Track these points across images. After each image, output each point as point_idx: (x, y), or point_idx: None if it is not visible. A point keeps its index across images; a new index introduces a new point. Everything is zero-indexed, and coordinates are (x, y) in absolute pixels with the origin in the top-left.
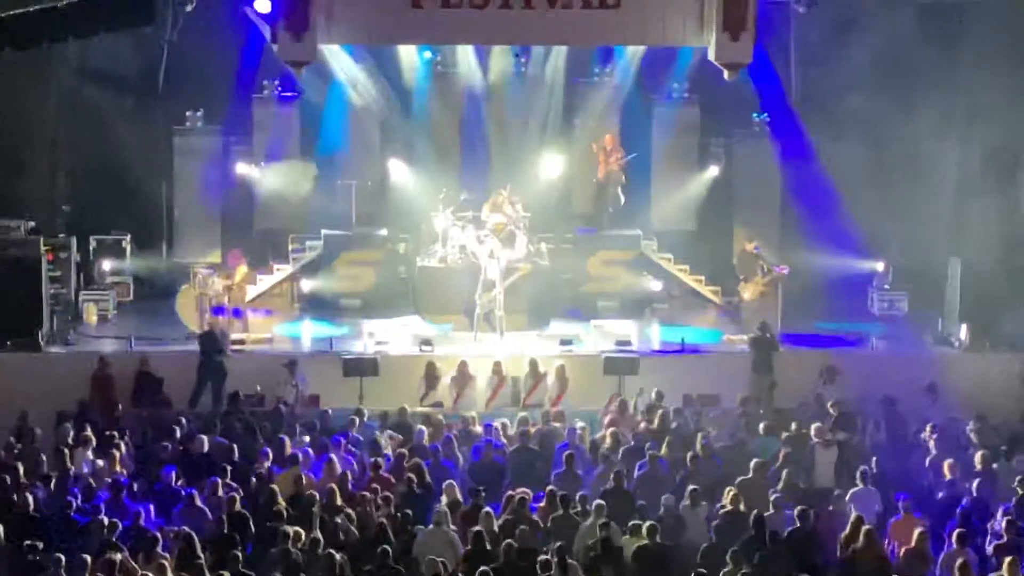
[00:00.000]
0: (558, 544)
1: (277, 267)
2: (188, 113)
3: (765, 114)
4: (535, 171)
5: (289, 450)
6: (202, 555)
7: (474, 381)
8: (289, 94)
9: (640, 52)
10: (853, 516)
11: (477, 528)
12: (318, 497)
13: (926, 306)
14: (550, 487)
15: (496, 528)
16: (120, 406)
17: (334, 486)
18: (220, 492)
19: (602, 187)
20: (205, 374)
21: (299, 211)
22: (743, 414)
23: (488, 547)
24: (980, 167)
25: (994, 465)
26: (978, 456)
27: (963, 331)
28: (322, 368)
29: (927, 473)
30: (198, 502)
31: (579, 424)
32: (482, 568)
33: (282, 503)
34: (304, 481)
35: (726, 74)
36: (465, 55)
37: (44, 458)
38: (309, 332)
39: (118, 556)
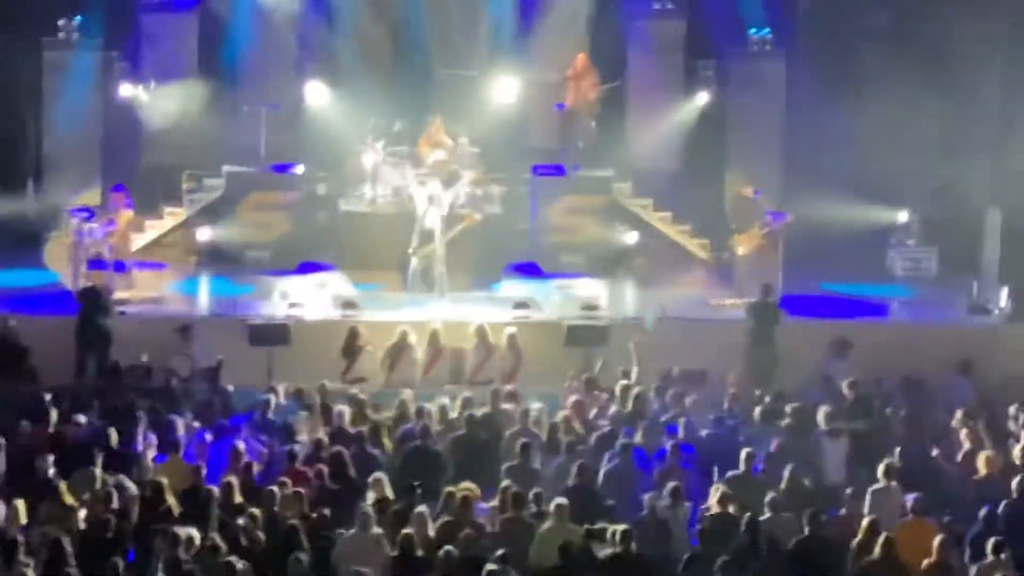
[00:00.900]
0: (508, 552)
1: (169, 211)
2: (61, 22)
3: (765, 29)
4: (485, 95)
5: (181, 434)
6: (73, 563)
7: (413, 353)
8: (186, 1)
9: None
10: (866, 521)
11: (409, 531)
12: (216, 492)
13: (959, 266)
14: (505, 483)
15: (433, 532)
16: None
17: (235, 479)
18: (96, 486)
19: (569, 117)
20: (86, 340)
21: (196, 143)
22: (735, 396)
23: (423, 554)
24: None
25: None
26: (1019, 449)
27: (1003, 296)
28: (223, 335)
29: (957, 469)
30: (68, 499)
31: (535, 406)
32: None
33: (171, 499)
34: (199, 473)
35: None
36: None
37: None
38: (207, 291)
39: None
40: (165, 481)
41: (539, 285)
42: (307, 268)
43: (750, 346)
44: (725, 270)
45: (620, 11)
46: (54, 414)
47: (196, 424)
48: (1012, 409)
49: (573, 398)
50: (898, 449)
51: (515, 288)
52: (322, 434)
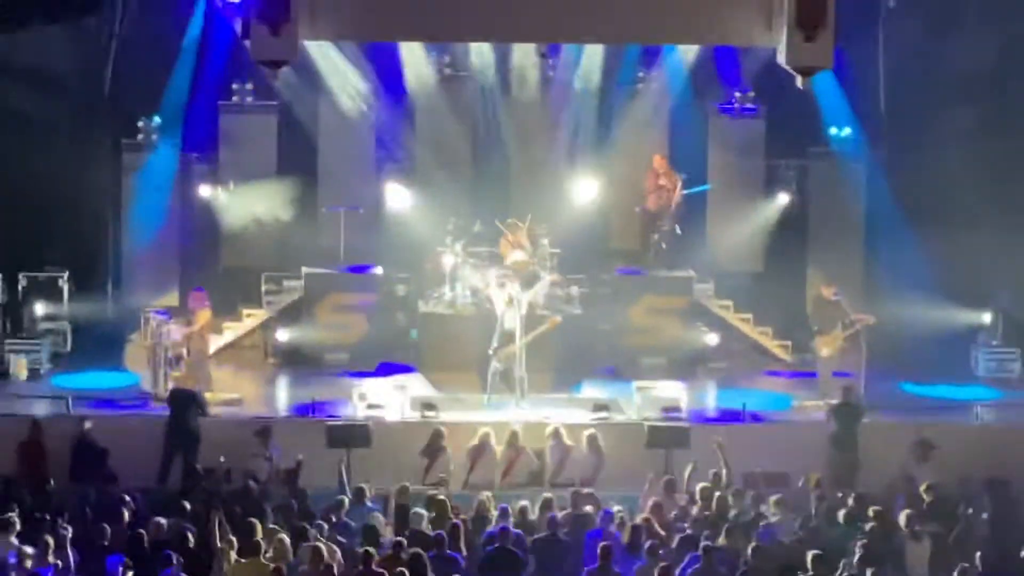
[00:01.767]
0: None
1: (247, 312)
2: (140, 123)
3: (846, 129)
4: (565, 197)
5: (260, 536)
6: None
7: (494, 455)
8: (265, 101)
9: (693, 53)
10: None
11: None
12: None
13: None
14: None
15: None
16: (53, 481)
17: None
18: None
19: (651, 219)
20: (175, 442)
21: (275, 244)
22: (819, 498)
23: None
24: None
25: None
26: None
27: None
28: (302, 437)
29: None
30: None
31: (616, 508)
32: None
33: None
34: (280, 575)
35: (799, 81)
36: (480, 55)
37: None
38: (286, 392)
39: None
40: None
41: (620, 387)
42: (386, 369)
43: (832, 449)
44: (807, 372)
45: (700, 110)
46: (130, 515)
47: (273, 526)
48: None
49: (653, 500)
50: (979, 553)
51: (596, 390)
52: (400, 536)
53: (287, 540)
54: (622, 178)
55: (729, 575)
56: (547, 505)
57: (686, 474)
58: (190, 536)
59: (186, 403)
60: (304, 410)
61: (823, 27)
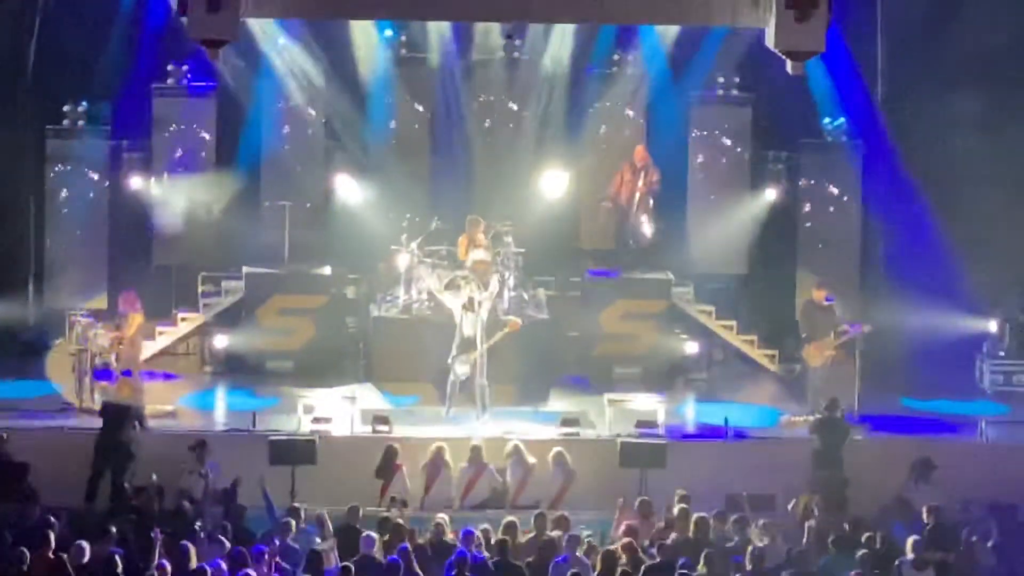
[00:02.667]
0: None
1: (182, 316)
2: (66, 108)
3: (840, 119)
4: (531, 192)
5: (194, 562)
6: None
7: (451, 472)
8: (202, 84)
9: (673, 34)
10: None
11: None
12: None
13: None
14: None
15: None
16: None
17: None
18: None
19: (623, 215)
20: (105, 458)
21: (213, 241)
22: (807, 522)
23: None
24: None
25: None
26: None
27: None
28: (241, 453)
29: None
30: None
31: (585, 532)
32: None
33: None
34: None
35: (789, 66)
36: (439, 34)
37: None
38: (224, 404)
39: None
40: None
41: (590, 399)
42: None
43: (814, 468)
44: (796, 384)
45: (681, 96)
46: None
47: (210, 551)
48: None
49: (627, 524)
50: None
51: (565, 402)
52: (348, 562)
53: (223, 566)
54: (595, 171)
55: None
56: (509, 529)
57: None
58: (118, 560)
59: (119, 416)
60: (244, 424)
61: (816, 7)
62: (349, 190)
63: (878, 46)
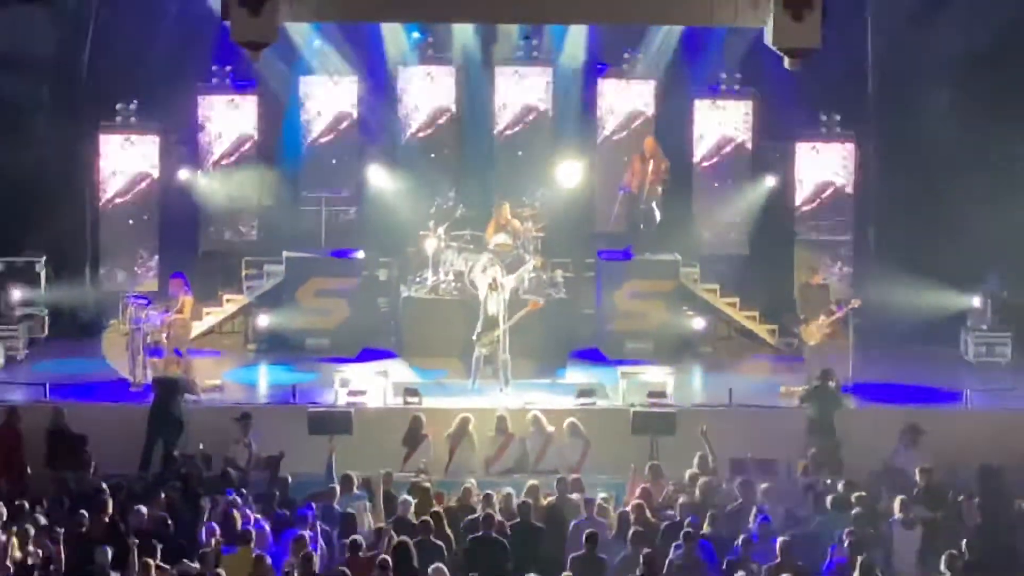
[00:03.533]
0: None
1: (228, 298)
2: (119, 106)
3: (835, 113)
4: (549, 180)
5: (240, 524)
6: None
7: (473, 440)
8: (244, 83)
9: (678, 33)
10: None
11: None
12: None
13: None
14: (565, 574)
15: None
16: (29, 470)
17: (297, 571)
18: None
19: (633, 202)
20: (157, 429)
21: (256, 229)
22: (809, 484)
23: None
24: None
25: None
26: None
27: None
28: (282, 424)
29: None
30: None
31: (601, 495)
32: None
33: None
34: (263, 563)
35: (787, 62)
36: (463, 36)
37: None
38: (266, 379)
39: None
40: (223, 573)
41: (604, 372)
42: (368, 355)
43: (809, 435)
44: (794, 356)
45: (686, 91)
46: (112, 504)
47: (255, 515)
48: None
49: (640, 487)
50: (965, 541)
51: (581, 375)
52: (385, 524)
53: (267, 528)
54: (607, 160)
55: (712, 563)
56: (531, 492)
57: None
58: (170, 523)
59: (170, 390)
60: (285, 396)
61: (811, 7)
62: (381, 180)
63: (868, 42)
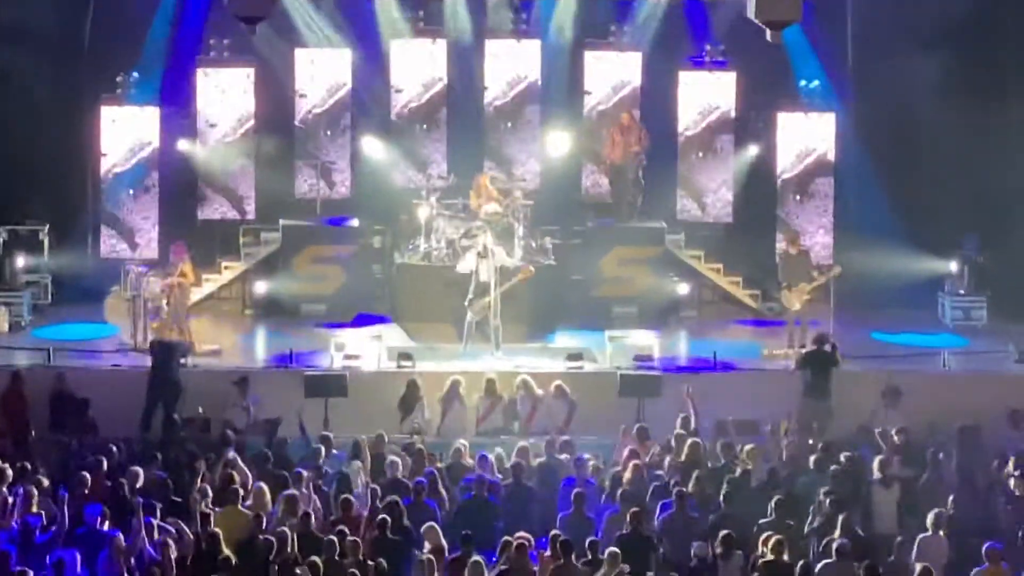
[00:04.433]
0: None
1: (226, 265)
2: (119, 78)
3: (816, 82)
4: (538, 150)
5: (237, 484)
6: None
7: (464, 403)
8: (241, 56)
9: (663, 6)
10: (918, 569)
11: None
12: (274, 542)
13: (1010, 316)
14: (554, 532)
15: None
16: (34, 432)
17: (291, 530)
18: (155, 536)
19: (617, 171)
20: (157, 392)
21: (253, 197)
22: (789, 445)
23: None
24: None
25: None
26: None
27: None
28: (279, 387)
29: (1008, 517)
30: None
31: (588, 456)
32: None
33: (227, 550)
34: (259, 522)
35: (768, 34)
36: (453, 8)
37: None
38: (264, 343)
39: None
40: (220, 532)
41: (592, 336)
42: (363, 320)
43: (805, 397)
44: (776, 321)
45: (671, 62)
46: (111, 465)
47: (252, 475)
48: None
49: (627, 448)
50: (951, 497)
51: (569, 339)
52: (377, 483)
53: (266, 489)
54: (594, 131)
55: (700, 521)
56: (522, 453)
57: (678, 426)
58: (169, 483)
59: (168, 353)
60: (282, 361)
61: None
62: (374, 151)
63: (847, 15)
